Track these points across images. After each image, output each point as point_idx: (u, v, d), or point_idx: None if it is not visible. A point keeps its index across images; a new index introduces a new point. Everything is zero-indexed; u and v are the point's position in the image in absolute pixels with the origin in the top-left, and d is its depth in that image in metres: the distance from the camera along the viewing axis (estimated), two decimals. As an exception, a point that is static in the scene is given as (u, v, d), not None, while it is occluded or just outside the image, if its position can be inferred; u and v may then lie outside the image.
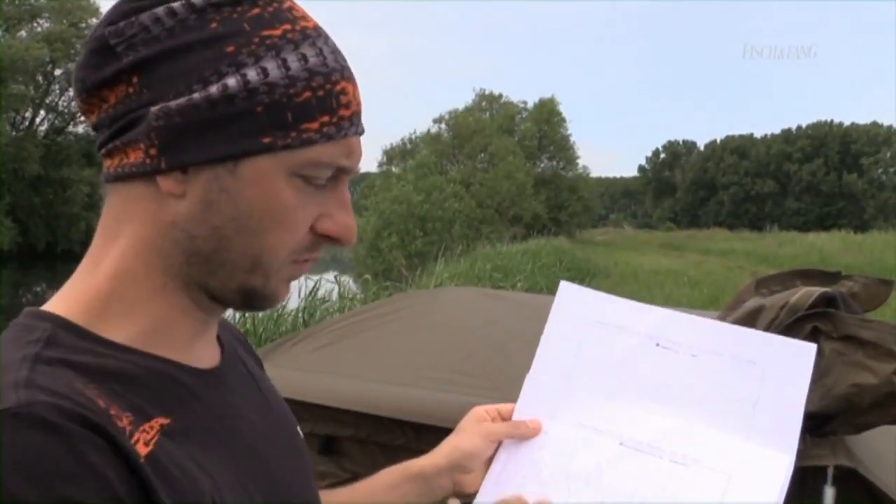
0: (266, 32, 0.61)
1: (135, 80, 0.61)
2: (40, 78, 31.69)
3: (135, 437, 0.56)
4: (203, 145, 0.60)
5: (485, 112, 44.17)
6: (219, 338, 0.76)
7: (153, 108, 0.60)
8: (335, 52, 0.65)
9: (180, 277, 0.65)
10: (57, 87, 33.38)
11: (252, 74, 0.60)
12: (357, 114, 0.65)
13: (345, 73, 0.64)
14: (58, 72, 32.65)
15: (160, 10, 0.61)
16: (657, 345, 0.91)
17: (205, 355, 0.71)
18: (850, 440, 1.27)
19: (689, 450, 0.83)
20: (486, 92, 45.65)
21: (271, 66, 0.60)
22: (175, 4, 0.61)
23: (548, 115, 44.98)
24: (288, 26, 0.62)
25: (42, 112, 33.21)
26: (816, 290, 1.24)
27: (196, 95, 0.60)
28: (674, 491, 0.80)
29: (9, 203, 27.11)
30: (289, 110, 0.61)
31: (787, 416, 0.82)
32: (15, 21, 31.01)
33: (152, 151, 0.60)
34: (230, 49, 0.60)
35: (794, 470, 1.18)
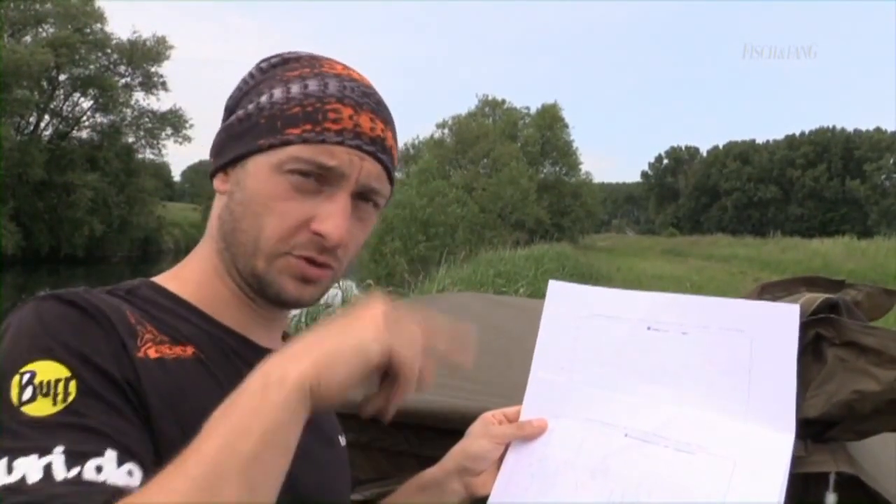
0: (287, 74, 0.81)
1: None
2: (45, 83, 31.75)
3: (147, 345, 0.71)
4: (231, 150, 0.81)
5: (488, 118, 44.27)
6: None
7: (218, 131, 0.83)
8: (346, 87, 0.79)
9: (225, 262, 0.81)
10: (61, 92, 33.49)
11: (264, 98, 0.80)
12: (349, 131, 0.77)
13: (345, 101, 0.78)
14: (62, 77, 32.76)
15: (246, 74, 0.85)
16: (648, 328, 0.92)
17: (265, 337, 0.84)
18: (852, 447, 1.27)
19: (693, 436, 0.83)
20: (489, 97, 45.77)
21: (277, 91, 0.80)
22: (253, 69, 0.85)
23: (550, 120, 45.07)
24: (307, 70, 0.81)
25: (46, 117, 33.28)
26: (819, 297, 1.23)
27: (233, 117, 0.82)
28: (680, 479, 0.80)
29: (13, 207, 27.17)
30: (279, 120, 0.78)
31: (782, 382, 0.82)
32: (20, 26, 31.14)
33: (212, 160, 0.84)
34: (261, 87, 0.82)
35: (796, 476, 1.18)
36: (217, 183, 0.83)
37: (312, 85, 0.79)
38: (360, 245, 0.84)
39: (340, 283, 9.11)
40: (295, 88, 0.79)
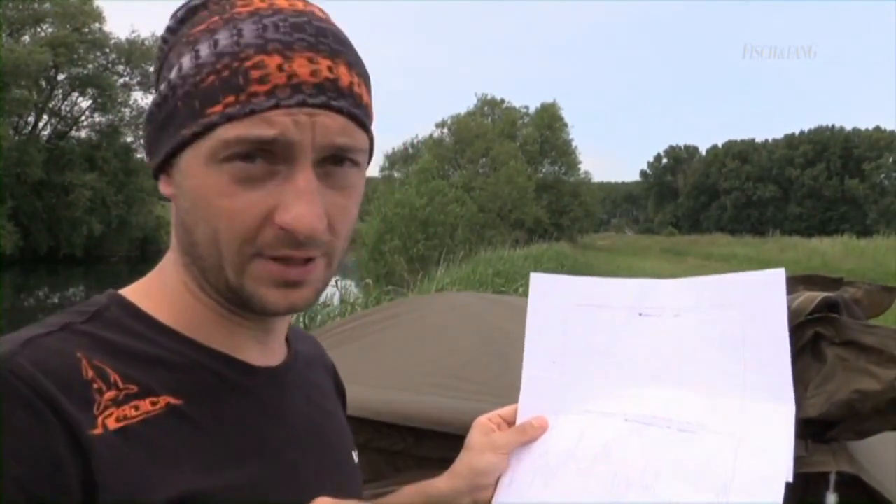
0: (193, 30, 0.64)
1: None
2: (43, 82, 31.72)
3: (107, 412, 0.58)
4: (160, 146, 0.65)
5: (487, 117, 44.26)
6: (294, 349, 0.79)
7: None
8: (266, 27, 0.61)
9: (193, 277, 0.68)
10: (60, 91, 33.45)
11: (174, 73, 0.63)
12: (282, 87, 0.60)
13: (268, 48, 0.60)
14: (61, 76, 32.72)
15: (160, 41, 0.68)
16: (640, 314, 0.90)
17: (258, 354, 0.72)
18: (853, 446, 1.26)
19: (693, 415, 0.81)
20: (488, 97, 45.76)
21: (186, 59, 0.62)
22: (164, 32, 0.68)
23: (549, 119, 45.07)
24: (216, 18, 0.63)
25: (45, 116, 33.24)
26: (818, 295, 1.23)
27: (150, 103, 0.66)
28: (685, 458, 0.78)
29: (11, 207, 27.13)
30: (196, 98, 0.61)
31: (775, 351, 0.80)
32: (18, 26, 31.10)
33: (147, 160, 0.67)
34: (171, 56, 0.65)
35: (797, 476, 1.16)
36: (162, 187, 0.67)
37: (223, 39, 0.61)
38: (353, 217, 0.68)
39: (338, 282, 9.09)
40: (204, 50, 0.61)
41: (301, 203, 0.61)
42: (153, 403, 0.61)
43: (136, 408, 0.60)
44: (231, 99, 0.60)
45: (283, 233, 0.62)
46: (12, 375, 0.55)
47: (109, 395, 0.59)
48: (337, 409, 0.87)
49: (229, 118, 0.60)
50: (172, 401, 0.62)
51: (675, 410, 0.83)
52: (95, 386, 0.59)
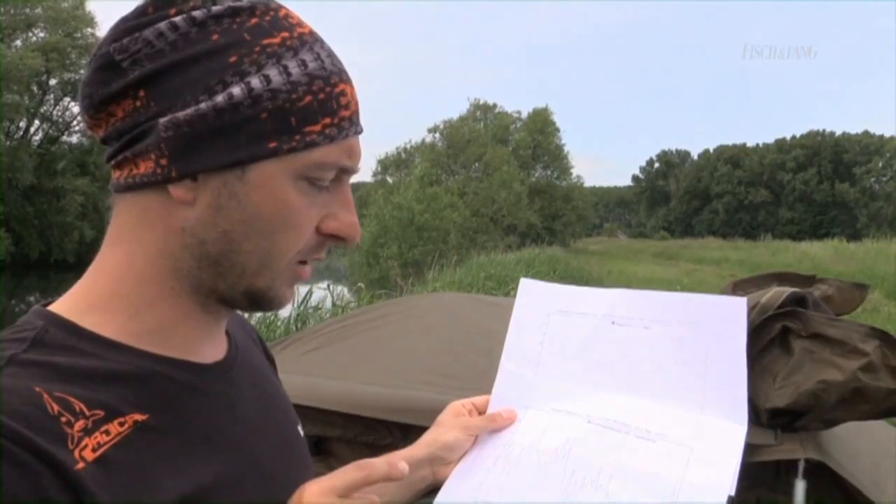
0: (266, 41, 0.64)
1: (141, 93, 0.63)
2: (35, 88, 31.62)
3: (82, 444, 0.57)
4: (212, 153, 0.63)
5: (479, 122, 44.34)
6: (227, 332, 0.78)
7: (162, 120, 0.62)
8: (331, 55, 0.67)
9: (189, 281, 0.67)
10: (52, 96, 33.33)
11: (255, 82, 0.62)
12: (356, 114, 0.68)
13: (343, 76, 0.67)
14: (53, 81, 32.62)
15: (162, 25, 0.63)
16: (613, 323, 0.96)
17: (209, 350, 0.73)
18: (820, 435, 1.31)
19: (653, 424, 0.87)
20: (481, 102, 45.85)
21: (273, 72, 0.63)
22: (177, 19, 0.63)
23: (541, 124, 45.18)
24: (286, 34, 0.65)
25: (36, 122, 33.13)
26: (786, 290, 1.28)
27: (203, 105, 0.62)
28: (640, 464, 0.84)
29: (2, 212, 27.00)
30: (292, 115, 0.63)
31: (734, 374, 0.87)
32: (10, 31, 31.00)
33: (163, 161, 0.63)
34: (233, 59, 0.63)
35: (767, 464, 1.21)
36: (178, 192, 0.64)
37: (310, 59, 0.65)
38: None
39: (330, 287, 9.12)
40: (293, 67, 0.64)
41: (350, 213, 0.69)
42: (121, 424, 0.60)
43: (107, 432, 0.59)
44: (328, 121, 0.65)
45: (324, 239, 0.68)
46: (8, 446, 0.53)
47: (79, 425, 0.58)
48: (277, 383, 0.86)
49: (330, 138, 0.65)
50: (138, 417, 0.62)
51: (636, 418, 0.88)
52: (63, 420, 0.57)
